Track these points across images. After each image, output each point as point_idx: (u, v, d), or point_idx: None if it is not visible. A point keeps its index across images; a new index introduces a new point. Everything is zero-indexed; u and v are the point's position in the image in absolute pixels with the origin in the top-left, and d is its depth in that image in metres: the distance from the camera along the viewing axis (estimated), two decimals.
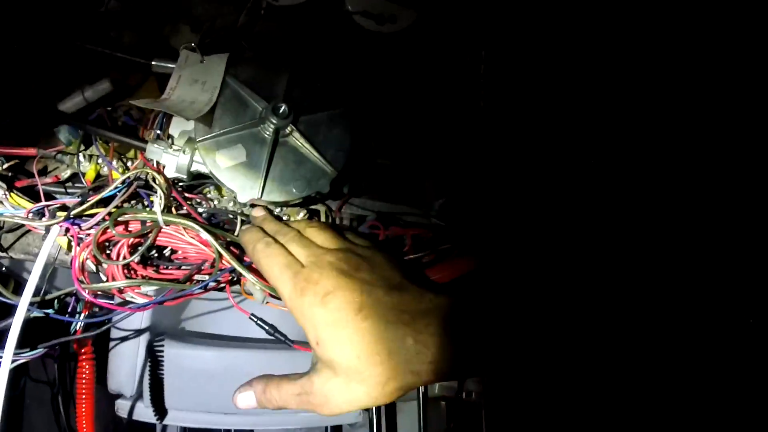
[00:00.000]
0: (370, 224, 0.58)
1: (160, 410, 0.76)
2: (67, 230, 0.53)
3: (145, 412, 0.76)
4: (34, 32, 0.59)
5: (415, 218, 0.59)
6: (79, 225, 0.53)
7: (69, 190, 0.58)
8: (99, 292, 0.51)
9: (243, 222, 0.54)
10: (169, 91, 0.54)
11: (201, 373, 0.74)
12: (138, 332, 0.76)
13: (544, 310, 0.45)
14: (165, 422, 0.76)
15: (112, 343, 0.76)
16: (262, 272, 0.47)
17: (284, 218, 0.56)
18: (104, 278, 0.54)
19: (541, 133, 0.60)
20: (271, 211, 0.55)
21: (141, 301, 0.53)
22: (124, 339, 0.75)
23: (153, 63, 0.57)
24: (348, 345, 0.41)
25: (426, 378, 0.41)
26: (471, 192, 0.60)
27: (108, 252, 0.53)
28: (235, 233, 0.53)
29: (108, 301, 0.53)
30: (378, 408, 0.82)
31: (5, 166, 0.56)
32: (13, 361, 0.50)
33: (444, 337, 0.41)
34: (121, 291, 0.53)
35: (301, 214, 0.56)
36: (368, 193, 0.59)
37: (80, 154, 0.57)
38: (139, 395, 0.78)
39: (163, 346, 0.74)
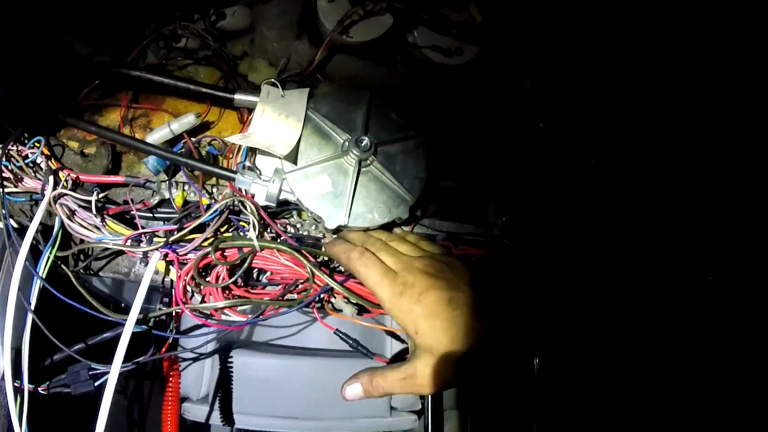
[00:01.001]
0: (441, 244, 0.62)
1: (227, 414, 0.80)
2: (166, 255, 0.57)
3: (211, 416, 0.81)
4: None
5: (481, 237, 0.63)
6: (176, 251, 0.57)
7: (156, 215, 0.62)
8: (198, 311, 0.55)
9: None
10: (254, 126, 0.58)
11: (266, 380, 0.78)
12: (207, 341, 0.80)
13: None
14: (233, 425, 0.81)
15: (181, 350, 0.81)
16: (360, 278, 0.54)
17: None
18: (198, 298, 0.58)
19: (595, 151, 0.65)
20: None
21: (237, 319, 0.57)
22: (193, 347, 0.79)
23: (235, 97, 0.60)
24: (443, 333, 0.50)
25: (498, 354, 0.50)
26: (533, 209, 0.64)
27: (204, 275, 0.57)
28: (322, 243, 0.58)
29: (206, 319, 0.58)
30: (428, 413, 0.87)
31: (100, 196, 0.59)
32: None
33: (505, 325, 0.51)
34: (217, 310, 0.57)
35: None
36: (436, 214, 0.63)
37: (167, 182, 0.60)
38: (204, 399, 0.82)
39: (232, 355, 0.79)
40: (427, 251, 0.56)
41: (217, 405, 0.81)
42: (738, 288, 0.59)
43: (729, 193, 0.64)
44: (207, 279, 0.57)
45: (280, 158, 0.55)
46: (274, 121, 0.58)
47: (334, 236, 0.60)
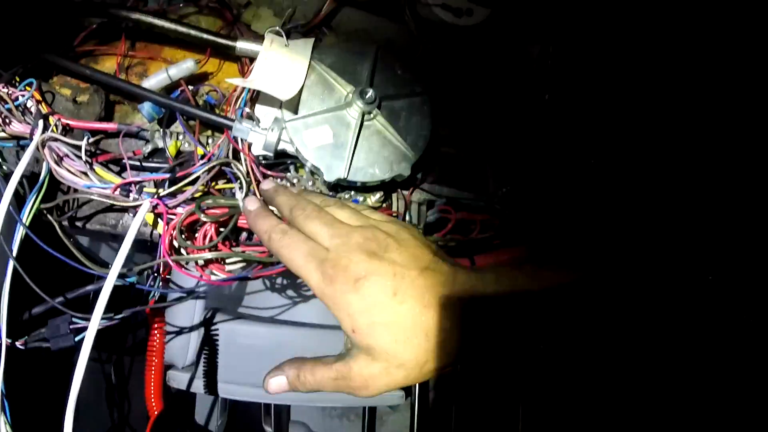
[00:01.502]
0: (441, 208, 0.61)
1: (211, 383, 0.78)
2: (155, 206, 0.55)
3: (195, 384, 0.79)
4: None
5: (481, 205, 0.62)
6: (166, 203, 0.55)
7: (145, 164, 0.60)
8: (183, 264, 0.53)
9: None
10: (256, 73, 0.56)
11: (254, 349, 0.76)
12: (193, 307, 0.78)
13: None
14: (215, 394, 0.79)
15: (167, 317, 0.78)
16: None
17: (360, 199, 0.58)
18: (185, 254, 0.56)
19: (601, 129, 0.64)
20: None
21: (223, 276, 0.55)
22: (179, 312, 0.77)
23: (237, 45, 0.58)
24: (385, 330, 0.41)
25: (458, 358, 0.42)
26: (533, 182, 0.63)
27: (193, 231, 0.55)
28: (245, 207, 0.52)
29: (193, 273, 0.56)
30: (416, 389, 0.85)
31: (91, 140, 0.57)
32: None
33: (474, 319, 0.42)
34: (204, 266, 0.55)
35: (377, 196, 0.59)
36: (436, 180, 0.61)
37: (162, 130, 0.58)
38: (190, 367, 0.80)
39: (218, 321, 0.76)
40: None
41: (201, 373, 0.79)
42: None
43: (728, 192, 0.63)
44: (195, 235, 0.55)
45: (280, 104, 0.53)
46: (278, 64, 0.56)
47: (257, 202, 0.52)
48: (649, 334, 0.49)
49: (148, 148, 0.60)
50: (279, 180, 0.57)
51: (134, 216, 0.55)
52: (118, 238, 0.56)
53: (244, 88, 0.58)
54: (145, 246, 0.62)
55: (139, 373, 0.87)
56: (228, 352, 0.77)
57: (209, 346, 0.78)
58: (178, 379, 0.78)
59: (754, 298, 0.54)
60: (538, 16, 0.65)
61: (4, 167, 0.59)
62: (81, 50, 0.65)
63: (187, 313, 0.77)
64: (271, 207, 0.52)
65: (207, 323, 0.77)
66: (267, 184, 0.53)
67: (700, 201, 0.61)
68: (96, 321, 0.50)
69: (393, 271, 0.42)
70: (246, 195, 0.54)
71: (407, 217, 0.59)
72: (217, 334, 0.76)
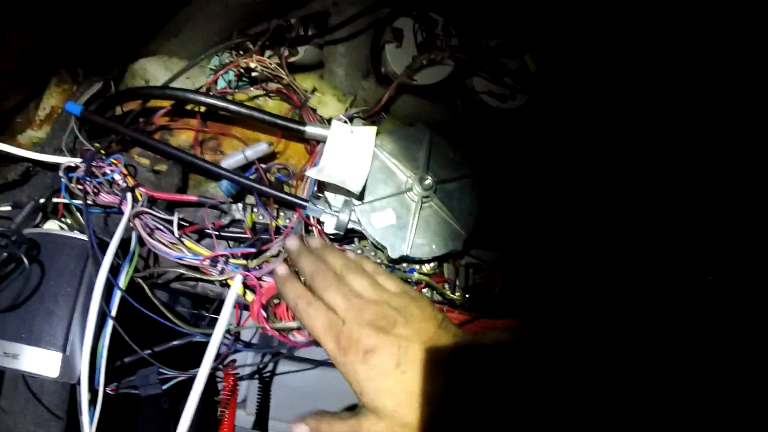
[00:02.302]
0: (485, 273, 0.70)
1: (262, 420, 0.88)
2: (245, 277, 0.64)
3: (246, 420, 0.88)
4: None
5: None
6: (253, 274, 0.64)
7: (224, 233, 0.69)
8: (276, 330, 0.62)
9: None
10: (326, 160, 0.65)
11: (303, 390, 0.86)
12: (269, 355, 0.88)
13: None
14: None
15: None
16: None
17: (417, 267, 0.68)
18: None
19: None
20: (305, 244, 0.60)
21: (305, 340, 0.64)
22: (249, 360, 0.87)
23: (307, 129, 0.67)
24: (389, 396, 0.47)
25: (456, 418, 0.47)
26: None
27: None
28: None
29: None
30: None
31: (180, 216, 0.66)
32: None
33: (468, 387, 0.47)
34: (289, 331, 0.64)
35: (431, 265, 0.68)
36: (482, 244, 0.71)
37: (237, 206, 0.67)
38: (242, 404, 0.90)
39: (275, 365, 0.86)
40: (384, 289, 0.54)
41: (253, 410, 0.88)
42: (738, 288, 0.61)
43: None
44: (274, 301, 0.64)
45: (352, 193, 0.62)
46: (345, 155, 0.65)
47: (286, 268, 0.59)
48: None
49: (227, 219, 0.69)
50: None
51: (228, 288, 0.63)
52: (196, 296, 0.65)
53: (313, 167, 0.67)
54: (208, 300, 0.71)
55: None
56: (282, 392, 0.86)
57: (263, 386, 0.88)
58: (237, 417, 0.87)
59: (754, 298, 0.58)
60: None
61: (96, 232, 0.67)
62: (159, 124, 0.73)
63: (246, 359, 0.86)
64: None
65: (261, 366, 0.87)
66: (292, 243, 0.59)
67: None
68: (204, 372, 0.59)
69: (398, 344, 0.48)
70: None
71: (456, 282, 0.69)
72: (272, 376, 0.86)
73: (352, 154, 0.65)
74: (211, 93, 0.71)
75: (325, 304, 0.53)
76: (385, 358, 0.48)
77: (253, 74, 0.71)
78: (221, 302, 0.66)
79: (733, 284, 0.62)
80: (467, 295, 0.68)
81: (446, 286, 0.67)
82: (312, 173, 0.62)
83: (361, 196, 0.64)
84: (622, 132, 0.71)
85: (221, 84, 0.74)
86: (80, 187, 0.67)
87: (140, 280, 0.66)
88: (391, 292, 0.55)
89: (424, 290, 0.67)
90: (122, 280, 0.64)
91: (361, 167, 0.63)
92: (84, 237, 0.64)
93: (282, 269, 0.57)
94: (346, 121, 0.67)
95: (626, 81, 0.69)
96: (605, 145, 0.71)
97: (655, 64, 0.66)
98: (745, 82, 0.61)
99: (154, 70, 0.76)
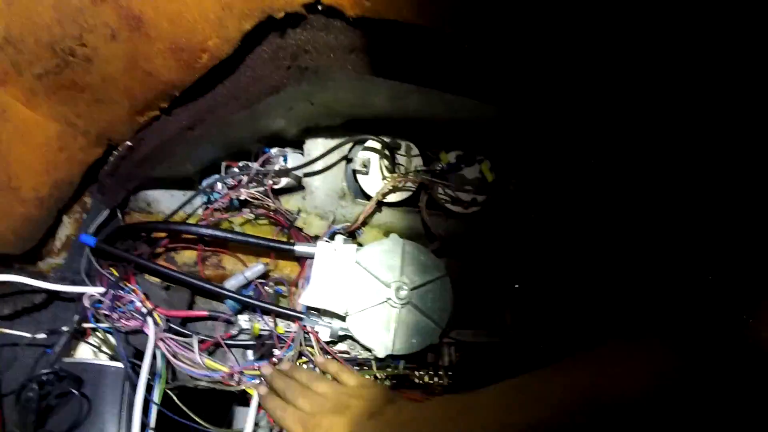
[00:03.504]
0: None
1: None
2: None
3: None
4: None
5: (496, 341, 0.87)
6: None
7: (231, 343, 0.85)
8: None
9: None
10: (314, 281, 0.80)
11: None
12: None
13: None
14: None
15: None
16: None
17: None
18: None
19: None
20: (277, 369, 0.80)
21: None
22: None
23: (296, 249, 0.83)
24: None
25: None
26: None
27: None
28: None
29: None
30: None
31: (199, 338, 0.82)
32: None
33: None
34: None
35: None
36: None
37: (243, 317, 0.83)
38: None
39: None
40: (344, 385, 0.75)
41: None
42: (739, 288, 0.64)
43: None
44: None
45: (341, 314, 0.78)
46: (332, 276, 0.81)
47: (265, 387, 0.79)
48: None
49: (235, 330, 0.85)
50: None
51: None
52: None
53: (304, 282, 0.83)
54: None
55: None
56: None
57: None
58: None
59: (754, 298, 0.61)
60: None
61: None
62: (165, 247, 0.88)
63: None
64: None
65: None
66: (266, 370, 0.79)
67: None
68: None
69: (350, 420, 0.68)
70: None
71: (440, 362, 0.85)
72: None
73: (337, 271, 0.80)
74: (207, 222, 0.85)
75: (297, 408, 0.73)
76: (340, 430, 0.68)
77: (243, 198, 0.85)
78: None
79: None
80: (450, 373, 0.84)
81: (430, 371, 0.83)
82: (304, 300, 0.77)
83: (348, 308, 0.79)
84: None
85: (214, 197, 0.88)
86: (107, 313, 0.82)
87: (170, 392, 0.82)
88: (350, 386, 0.76)
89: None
90: (156, 396, 0.80)
91: (344, 285, 0.79)
92: (119, 365, 0.79)
93: (262, 390, 0.79)
94: (329, 240, 0.81)
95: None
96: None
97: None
98: (745, 81, 0.64)
99: (155, 197, 0.89)
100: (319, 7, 0.62)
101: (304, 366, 0.83)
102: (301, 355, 0.82)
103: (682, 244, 0.75)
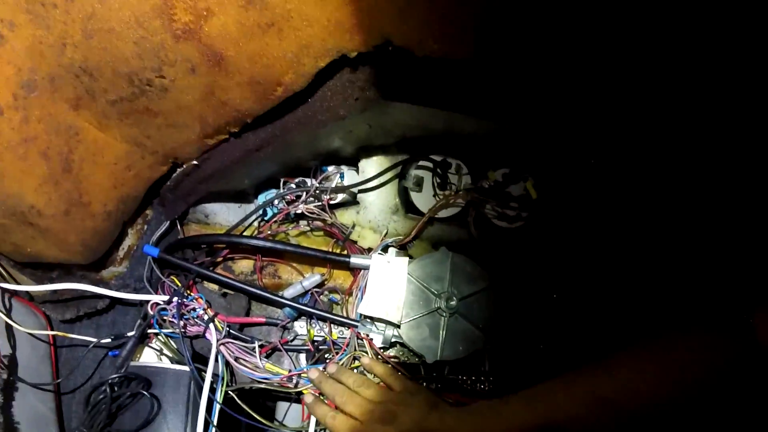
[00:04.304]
0: None
1: None
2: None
3: None
4: None
5: None
6: None
7: (288, 348, 0.94)
8: None
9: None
10: (370, 292, 0.89)
11: None
12: None
13: None
14: None
15: None
16: None
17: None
18: None
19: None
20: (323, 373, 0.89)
21: None
22: None
23: (351, 261, 0.91)
24: None
25: None
26: None
27: None
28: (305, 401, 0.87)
29: None
30: None
31: (259, 344, 0.90)
32: None
33: None
34: None
35: None
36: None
37: (299, 323, 0.92)
38: None
39: None
40: (388, 391, 0.84)
41: None
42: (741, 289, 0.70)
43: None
44: None
45: (395, 323, 0.87)
46: (385, 286, 0.89)
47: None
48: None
49: (291, 335, 0.93)
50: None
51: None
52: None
53: (359, 291, 0.91)
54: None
55: None
56: None
57: None
58: None
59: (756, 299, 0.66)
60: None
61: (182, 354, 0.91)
62: (223, 257, 0.97)
63: None
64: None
65: None
66: (313, 375, 0.88)
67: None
68: None
69: (398, 430, 0.77)
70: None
71: (483, 368, 0.94)
72: None
73: (390, 282, 0.89)
74: (264, 235, 0.94)
75: (346, 414, 0.81)
76: None
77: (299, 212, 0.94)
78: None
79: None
80: (491, 378, 0.92)
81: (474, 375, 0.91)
82: (362, 309, 0.86)
83: (400, 317, 0.87)
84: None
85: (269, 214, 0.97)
86: (171, 320, 0.91)
87: (231, 393, 0.91)
88: (395, 391, 0.84)
89: None
90: (218, 396, 0.89)
91: (398, 295, 0.87)
92: (183, 367, 0.88)
93: (308, 398, 0.87)
94: (382, 252, 0.89)
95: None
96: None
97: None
98: (745, 81, 0.68)
99: (213, 210, 0.98)
100: (390, 47, 0.69)
101: (354, 370, 0.91)
102: (354, 359, 0.91)
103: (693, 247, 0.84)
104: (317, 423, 0.89)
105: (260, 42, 0.69)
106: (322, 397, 0.88)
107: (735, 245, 0.81)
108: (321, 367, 0.90)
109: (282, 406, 1.10)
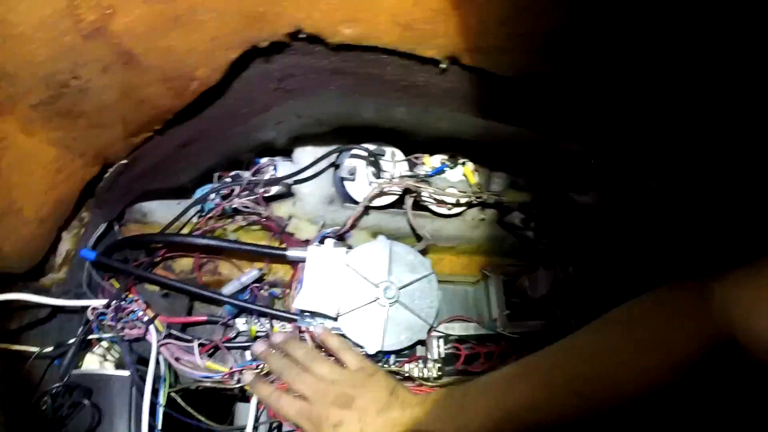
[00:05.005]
0: (453, 345, 0.98)
1: None
2: None
3: None
4: None
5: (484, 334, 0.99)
6: None
7: (232, 345, 0.96)
8: None
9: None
10: (307, 284, 0.91)
11: None
12: None
13: None
14: None
15: None
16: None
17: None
18: None
19: None
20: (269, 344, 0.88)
21: None
22: None
23: (288, 254, 0.93)
24: None
25: None
26: None
27: None
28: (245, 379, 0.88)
29: None
30: None
31: (199, 342, 0.93)
32: None
33: None
34: None
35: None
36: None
37: (240, 320, 0.94)
38: None
39: None
40: (343, 368, 0.82)
41: None
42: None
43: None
44: None
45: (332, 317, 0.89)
46: (323, 278, 0.92)
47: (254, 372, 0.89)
48: None
49: (233, 332, 0.96)
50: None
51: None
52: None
53: (298, 284, 0.93)
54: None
55: None
56: None
57: None
58: None
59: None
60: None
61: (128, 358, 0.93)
62: (162, 256, 0.99)
63: None
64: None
65: None
66: (257, 348, 0.88)
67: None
68: None
69: (358, 416, 0.74)
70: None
71: (428, 355, 0.96)
72: None
73: (328, 273, 0.91)
74: (202, 231, 0.96)
75: (295, 393, 0.79)
76: (351, 427, 0.74)
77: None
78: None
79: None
80: (438, 365, 0.95)
81: (420, 363, 0.94)
82: (297, 304, 0.88)
83: (340, 308, 0.90)
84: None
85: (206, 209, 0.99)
86: (110, 324, 0.93)
87: (174, 394, 0.93)
88: (351, 368, 0.83)
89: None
90: (161, 398, 0.91)
91: (336, 287, 0.89)
92: (125, 372, 0.90)
93: (248, 376, 0.87)
94: (319, 244, 0.92)
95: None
96: None
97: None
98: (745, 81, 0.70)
99: (150, 208, 1.00)
100: (302, 35, 0.71)
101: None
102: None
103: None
104: (264, 413, 0.90)
105: (168, 37, 0.72)
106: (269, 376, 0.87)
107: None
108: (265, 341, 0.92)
109: (242, 409, 1.12)
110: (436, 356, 0.98)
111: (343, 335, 0.94)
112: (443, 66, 0.75)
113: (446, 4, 0.67)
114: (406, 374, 0.94)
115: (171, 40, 0.72)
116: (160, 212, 1.05)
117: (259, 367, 0.90)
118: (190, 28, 0.71)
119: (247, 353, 0.98)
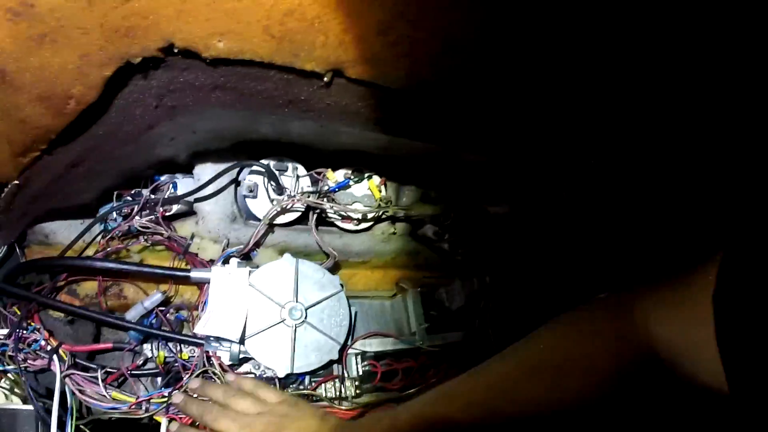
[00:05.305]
0: (370, 363, 0.97)
1: None
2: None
3: None
4: None
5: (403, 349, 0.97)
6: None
7: (140, 372, 0.94)
8: None
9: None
10: (211, 306, 0.89)
11: None
12: None
13: None
14: None
15: None
16: None
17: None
18: None
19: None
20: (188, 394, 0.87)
21: None
22: None
23: (191, 276, 0.91)
24: None
25: None
26: None
27: None
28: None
29: None
30: None
31: (104, 371, 0.91)
32: None
33: None
34: None
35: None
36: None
37: (148, 345, 0.92)
38: None
39: None
40: (265, 402, 0.81)
41: None
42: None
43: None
44: None
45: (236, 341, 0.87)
46: (228, 300, 0.90)
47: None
48: None
49: (141, 359, 0.94)
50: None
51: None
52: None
53: (204, 306, 0.91)
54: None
55: None
56: None
57: None
58: None
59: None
60: None
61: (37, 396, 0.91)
62: (66, 280, 0.96)
63: None
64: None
65: None
66: (177, 399, 0.86)
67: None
68: None
69: None
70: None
71: (345, 374, 0.95)
72: None
73: (232, 295, 0.89)
74: (104, 253, 0.93)
75: None
76: None
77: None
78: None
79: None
80: (357, 383, 0.93)
81: (337, 382, 0.92)
82: (199, 329, 0.86)
83: (246, 331, 0.88)
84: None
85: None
86: (11, 355, 0.90)
87: (83, 427, 0.91)
88: (272, 402, 0.82)
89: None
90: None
91: (240, 308, 0.87)
92: (29, 407, 0.88)
93: (173, 426, 0.86)
94: (224, 263, 0.89)
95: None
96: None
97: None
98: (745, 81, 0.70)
99: (53, 229, 0.97)
100: (175, 50, 0.68)
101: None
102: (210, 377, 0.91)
103: None
104: None
105: (39, 55, 0.69)
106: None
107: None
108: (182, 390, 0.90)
109: None
110: (354, 374, 0.96)
111: (251, 359, 0.92)
112: (326, 79, 0.72)
113: (321, 13, 0.65)
114: (320, 397, 0.92)
115: (42, 58, 0.69)
116: (64, 232, 1.02)
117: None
118: (59, 46, 0.69)
119: (159, 380, 0.96)
